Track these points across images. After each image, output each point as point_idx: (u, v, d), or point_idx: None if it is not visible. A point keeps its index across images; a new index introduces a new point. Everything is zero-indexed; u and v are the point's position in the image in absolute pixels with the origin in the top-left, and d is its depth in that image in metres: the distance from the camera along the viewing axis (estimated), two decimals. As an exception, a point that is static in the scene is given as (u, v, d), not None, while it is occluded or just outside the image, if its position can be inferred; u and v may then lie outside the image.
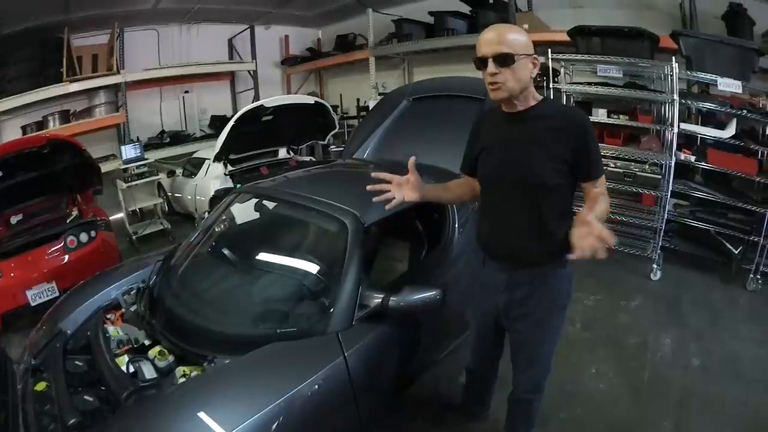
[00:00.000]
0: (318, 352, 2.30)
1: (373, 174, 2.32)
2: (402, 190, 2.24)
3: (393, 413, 3.00)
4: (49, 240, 4.71)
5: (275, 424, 1.95)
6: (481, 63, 1.97)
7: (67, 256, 4.67)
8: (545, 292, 2.22)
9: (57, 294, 4.40)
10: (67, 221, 5.09)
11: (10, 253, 4.53)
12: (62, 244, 4.67)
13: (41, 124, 8.02)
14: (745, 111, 4.57)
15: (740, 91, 4.53)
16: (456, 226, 3.26)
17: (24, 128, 7.97)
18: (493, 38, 1.94)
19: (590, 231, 1.67)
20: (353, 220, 2.71)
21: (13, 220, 5.17)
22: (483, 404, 3.07)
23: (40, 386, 2.38)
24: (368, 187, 2.26)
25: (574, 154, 1.98)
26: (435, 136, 3.83)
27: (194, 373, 2.34)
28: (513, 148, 2.09)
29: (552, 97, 5.20)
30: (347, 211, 2.76)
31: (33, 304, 4.39)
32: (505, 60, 1.92)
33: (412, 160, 2.24)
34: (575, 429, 3.05)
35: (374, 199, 2.26)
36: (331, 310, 2.46)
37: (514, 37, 1.94)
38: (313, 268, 2.86)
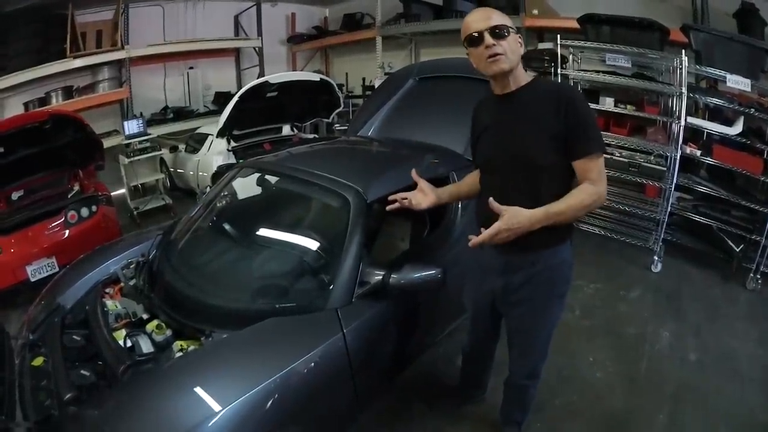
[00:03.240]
0: (317, 327, 2.30)
1: (389, 198, 2.40)
2: (414, 200, 2.34)
3: (389, 394, 3.02)
4: (50, 215, 4.70)
5: (272, 400, 1.95)
6: (475, 39, 1.97)
7: (67, 231, 4.67)
8: (543, 278, 2.20)
9: (57, 269, 4.40)
10: (69, 196, 5.08)
11: (11, 229, 4.51)
12: (63, 219, 4.67)
13: (44, 101, 7.96)
14: (753, 109, 4.53)
15: (749, 89, 4.48)
16: (459, 206, 3.25)
17: (26, 105, 7.91)
18: (484, 15, 1.98)
19: (495, 231, 1.87)
20: (356, 196, 2.69)
21: (14, 195, 5.15)
22: (479, 387, 3.08)
23: (38, 361, 2.39)
24: (387, 208, 2.40)
25: (564, 128, 1.94)
26: (440, 116, 3.82)
27: (192, 348, 2.35)
28: (507, 128, 2.09)
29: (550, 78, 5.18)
30: (350, 187, 2.75)
31: (33, 279, 4.39)
32: (500, 32, 1.94)
33: (413, 172, 2.37)
34: (570, 416, 3.06)
35: (388, 208, 2.40)
36: (331, 286, 2.46)
37: (502, 16, 1.99)
38: (313, 243, 2.86)
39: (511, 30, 1.97)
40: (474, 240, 1.90)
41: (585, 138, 1.97)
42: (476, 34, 1.95)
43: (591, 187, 1.96)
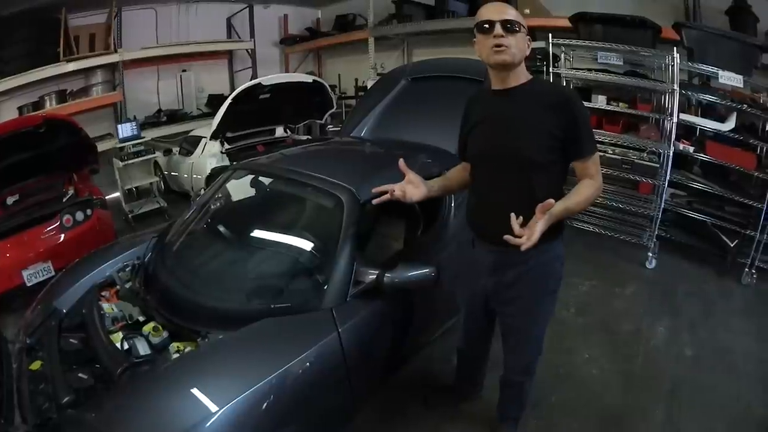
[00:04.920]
0: (312, 327, 2.31)
1: (373, 190, 2.36)
2: (405, 192, 2.29)
3: (385, 393, 3.02)
4: (45, 219, 4.68)
5: (268, 400, 1.96)
6: (486, 28, 1.98)
7: (63, 235, 4.64)
8: (535, 275, 2.22)
9: (53, 273, 4.36)
10: (63, 200, 5.05)
11: (6, 234, 4.49)
12: (58, 223, 4.65)
13: (38, 104, 7.97)
14: (745, 105, 4.56)
15: (741, 85, 4.50)
16: (452, 205, 3.25)
17: (20, 109, 7.91)
18: (499, 9, 2.00)
19: (532, 229, 1.82)
20: (349, 196, 2.70)
21: (9, 200, 5.11)
22: (475, 385, 3.09)
23: (35, 365, 2.39)
24: (374, 201, 2.35)
25: (563, 130, 1.99)
26: (433, 116, 3.81)
27: (188, 349, 2.35)
28: (502, 124, 2.10)
29: (547, 79, 5.18)
30: (343, 187, 2.76)
31: (29, 284, 4.36)
32: (512, 26, 1.96)
33: (401, 162, 2.31)
34: (566, 413, 3.07)
35: (375, 201, 2.35)
36: (326, 285, 2.47)
37: (517, 14, 2.01)
38: (308, 243, 2.88)
39: (522, 29, 2.00)
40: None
41: (584, 140, 2.04)
42: (487, 24, 1.97)
43: (592, 182, 2.07)
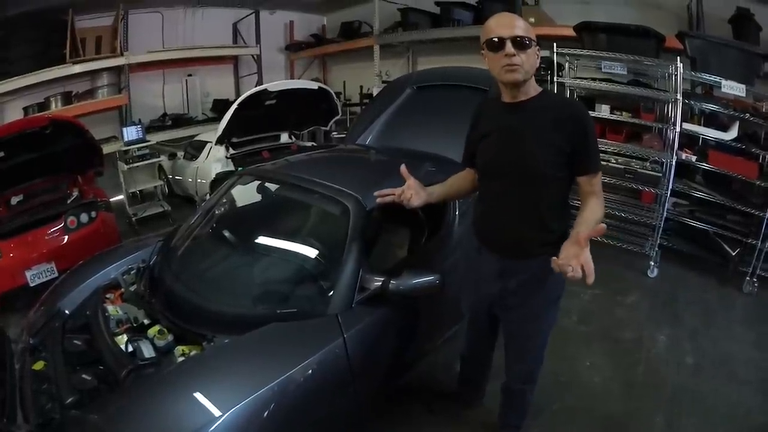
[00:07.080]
0: (317, 333, 2.31)
1: (375, 193, 2.44)
2: (405, 196, 2.34)
3: (389, 399, 3.02)
4: (49, 220, 4.69)
5: (273, 405, 1.96)
6: (496, 45, 1.94)
7: (66, 237, 4.66)
8: (539, 283, 2.22)
9: (56, 274, 4.37)
10: (68, 202, 5.07)
11: (10, 234, 4.50)
12: (62, 224, 4.66)
13: (43, 106, 8.01)
14: (747, 114, 4.57)
15: (744, 94, 4.51)
16: (456, 213, 3.27)
17: (26, 109, 7.96)
18: (509, 22, 1.95)
19: (578, 255, 1.79)
20: (355, 204, 2.71)
21: (14, 200, 5.14)
22: (477, 392, 3.09)
23: (39, 365, 2.39)
24: (378, 200, 2.43)
25: (572, 146, 1.99)
26: (438, 125, 3.82)
27: (193, 353, 2.35)
28: (513, 136, 2.09)
29: (552, 90, 5.19)
30: (349, 195, 2.77)
31: (32, 284, 4.37)
32: (522, 44, 1.92)
33: (402, 168, 2.36)
34: (568, 421, 3.08)
35: (378, 200, 2.44)
36: (331, 292, 2.48)
37: (526, 25, 1.97)
38: (314, 250, 2.89)
39: (533, 42, 1.95)
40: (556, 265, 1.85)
41: (592, 155, 2.05)
42: (497, 40, 1.94)
43: (600, 200, 2.07)
